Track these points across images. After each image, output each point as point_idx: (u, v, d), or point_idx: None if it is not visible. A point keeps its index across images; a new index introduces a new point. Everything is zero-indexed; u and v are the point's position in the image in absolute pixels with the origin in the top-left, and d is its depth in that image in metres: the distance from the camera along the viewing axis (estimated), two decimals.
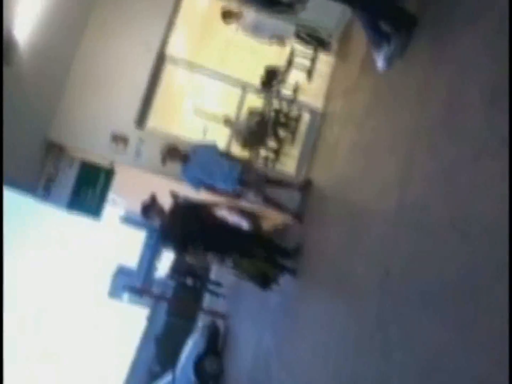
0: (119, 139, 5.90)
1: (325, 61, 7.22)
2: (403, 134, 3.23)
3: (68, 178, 6.03)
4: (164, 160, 5.37)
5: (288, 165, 7.95)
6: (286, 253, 5.29)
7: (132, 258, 23.10)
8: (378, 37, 3.90)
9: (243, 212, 5.89)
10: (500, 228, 1.81)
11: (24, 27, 4.47)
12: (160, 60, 6.27)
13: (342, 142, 5.05)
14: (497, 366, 1.61)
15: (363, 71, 4.81)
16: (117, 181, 6.45)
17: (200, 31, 8.27)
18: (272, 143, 8.70)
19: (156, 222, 5.19)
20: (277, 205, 5.73)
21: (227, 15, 6.64)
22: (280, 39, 7.79)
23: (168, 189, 8.86)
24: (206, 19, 8.12)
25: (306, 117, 7.29)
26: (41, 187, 5.94)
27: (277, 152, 8.69)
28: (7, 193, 5.28)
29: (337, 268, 3.86)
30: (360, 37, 4.98)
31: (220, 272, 14.54)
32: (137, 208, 17.27)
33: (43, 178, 5.97)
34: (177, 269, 14.32)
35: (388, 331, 2.56)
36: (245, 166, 5.59)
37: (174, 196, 5.15)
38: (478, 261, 1.91)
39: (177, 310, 12.32)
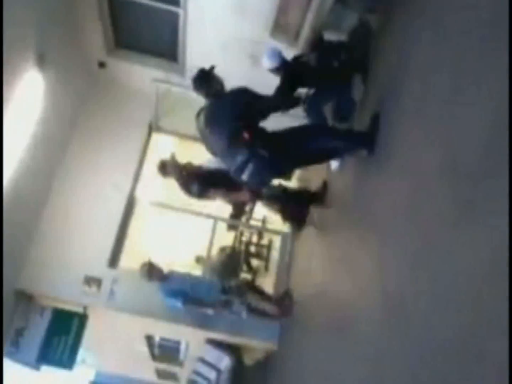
0: (92, 281, 5.78)
1: None
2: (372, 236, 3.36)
3: (38, 329, 5.76)
4: (149, 276, 5.08)
5: None
6: None
7: None
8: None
9: None
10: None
11: None
12: (130, 202, 6.46)
13: (316, 258, 5.14)
14: None
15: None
16: (88, 335, 6.16)
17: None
18: (245, 275, 8.68)
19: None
20: (262, 312, 5.55)
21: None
22: None
23: (143, 335, 8.52)
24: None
25: (277, 242, 7.42)
26: (8, 342, 5.60)
27: (252, 282, 8.63)
28: None
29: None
30: None
31: None
32: (109, 368, 16.08)
33: (12, 332, 5.67)
34: None
35: None
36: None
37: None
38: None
39: None
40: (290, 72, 4.58)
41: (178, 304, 5.06)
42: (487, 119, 2.13)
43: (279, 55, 4.65)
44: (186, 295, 5.03)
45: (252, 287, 5.69)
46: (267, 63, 4.62)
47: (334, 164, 4.63)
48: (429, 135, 2.72)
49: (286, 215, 5.74)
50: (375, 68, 4.20)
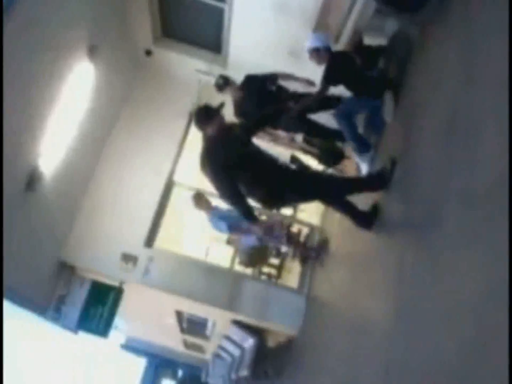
0: (129, 258, 6.17)
1: None
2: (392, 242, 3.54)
3: (78, 298, 6.22)
4: (198, 204, 5.77)
5: (290, 280, 8.14)
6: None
7: None
8: (359, 146, 4.50)
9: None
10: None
11: (49, 160, 5.00)
12: (169, 185, 6.78)
13: (339, 254, 5.35)
14: None
15: None
16: (123, 304, 6.60)
17: None
18: (274, 260, 8.96)
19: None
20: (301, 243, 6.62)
21: None
22: None
23: (173, 310, 8.97)
24: None
25: (305, 232, 7.63)
26: (51, 308, 6.09)
27: (279, 268, 8.92)
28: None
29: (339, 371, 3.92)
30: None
31: None
32: (139, 334, 16.95)
33: (54, 299, 6.15)
34: None
35: None
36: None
37: None
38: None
39: None
40: (337, 60, 4.63)
41: (224, 227, 5.66)
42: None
43: (326, 38, 4.72)
44: (230, 221, 5.60)
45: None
46: (312, 41, 4.62)
47: (364, 168, 4.78)
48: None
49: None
50: (407, 92, 4.27)
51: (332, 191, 4.00)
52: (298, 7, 5.44)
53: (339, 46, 5.40)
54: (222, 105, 3.92)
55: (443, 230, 2.68)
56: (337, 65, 4.62)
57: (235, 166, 3.69)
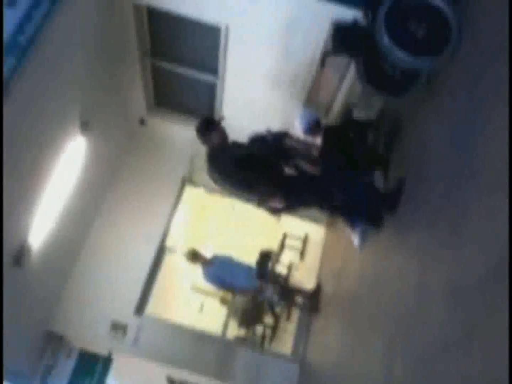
0: (118, 327, 6.06)
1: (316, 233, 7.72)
2: (388, 314, 3.51)
3: (65, 369, 6.05)
4: (194, 261, 5.88)
5: (285, 341, 7.98)
6: None
7: None
8: (351, 217, 4.49)
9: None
10: None
11: (38, 233, 4.98)
12: (161, 251, 6.77)
13: (333, 321, 5.28)
14: None
15: (348, 250, 5.25)
16: (112, 366, 6.44)
17: (197, 221, 8.99)
18: (268, 320, 8.82)
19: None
20: (296, 290, 6.48)
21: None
22: None
23: (164, 375, 8.73)
24: (202, 212, 8.87)
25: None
26: (37, 380, 5.92)
27: (274, 329, 8.76)
28: None
29: None
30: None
31: None
32: None
33: (40, 370, 5.98)
34: None
35: None
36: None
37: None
38: None
39: None
40: (331, 135, 4.73)
41: (216, 284, 5.91)
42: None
43: (313, 113, 4.84)
44: (224, 281, 5.80)
45: (286, 287, 6.54)
46: (302, 122, 4.77)
47: (356, 240, 4.78)
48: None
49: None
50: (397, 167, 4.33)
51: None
52: (289, 82, 5.59)
53: (330, 117, 5.52)
54: (222, 117, 4.21)
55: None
56: (331, 139, 4.71)
57: (242, 165, 3.88)
